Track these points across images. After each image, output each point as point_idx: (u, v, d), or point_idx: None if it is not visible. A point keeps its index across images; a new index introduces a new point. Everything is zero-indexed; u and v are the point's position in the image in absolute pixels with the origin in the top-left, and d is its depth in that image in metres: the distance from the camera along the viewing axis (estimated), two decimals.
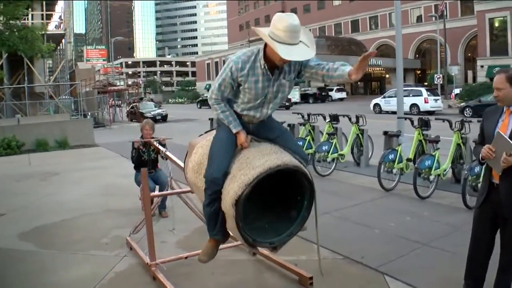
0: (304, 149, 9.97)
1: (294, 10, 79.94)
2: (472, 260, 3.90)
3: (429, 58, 60.21)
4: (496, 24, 43.69)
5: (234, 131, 3.48)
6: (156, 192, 5.56)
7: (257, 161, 3.33)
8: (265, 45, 3.30)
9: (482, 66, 44.02)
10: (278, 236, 3.54)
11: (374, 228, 6.13)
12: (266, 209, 3.61)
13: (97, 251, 5.42)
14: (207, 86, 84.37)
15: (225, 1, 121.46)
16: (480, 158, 3.62)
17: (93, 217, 6.99)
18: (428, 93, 30.65)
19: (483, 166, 3.82)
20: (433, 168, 7.82)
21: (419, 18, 59.49)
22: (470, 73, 49.24)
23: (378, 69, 61.04)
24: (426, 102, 29.88)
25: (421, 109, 29.03)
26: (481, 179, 7.07)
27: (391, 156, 8.46)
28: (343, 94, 54.59)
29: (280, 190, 3.62)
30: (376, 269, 4.70)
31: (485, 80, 41.06)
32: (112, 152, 14.89)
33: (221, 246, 4.01)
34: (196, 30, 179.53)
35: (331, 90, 53.88)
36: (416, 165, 7.83)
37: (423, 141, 9.13)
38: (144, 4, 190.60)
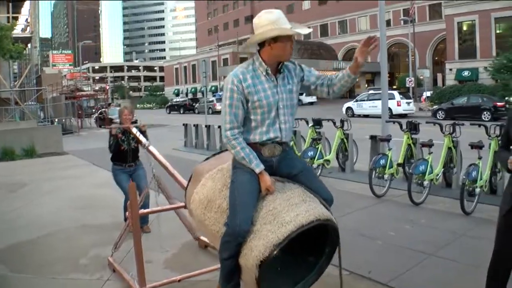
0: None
1: None
2: (494, 271, 3.56)
3: (398, 61, 61.00)
4: (465, 28, 44.41)
5: (257, 170, 3.05)
6: (146, 209, 4.97)
7: (286, 214, 2.94)
8: (259, 52, 3.16)
9: (451, 69, 44.66)
10: (293, 286, 3.22)
11: (375, 239, 5.78)
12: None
13: (77, 274, 4.84)
14: (176, 91, 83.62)
15: (193, 5, 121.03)
16: (509, 167, 3.29)
17: (68, 234, 6.38)
18: (401, 96, 30.79)
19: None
20: (427, 173, 7.54)
21: (387, 22, 60.00)
22: (439, 76, 49.89)
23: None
24: (398, 105, 29.99)
25: (394, 112, 29.05)
26: (477, 184, 6.89)
27: (382, 162, 8.15)
28: (313, 98, 54.26)
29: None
30: (387, 284, 4.35)
31: (454, 83, 41.65)
32: (83, 160, 14.22)
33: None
34: (163, 34, 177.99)
35: (301, 94, 53.41)
36: (410, 170, 7.53)
37: (412, 145, 8.90)
38: (111, 8, 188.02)
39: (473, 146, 7.21)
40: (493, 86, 34.88)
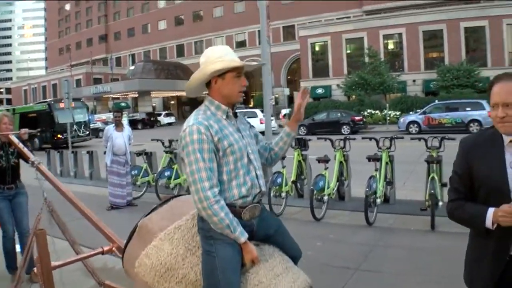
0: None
1: (118, 34, 78.03)
2: None
3: (252, 80, 62.90)
4: (317, 48, 47.29)
5: (242, 240, 2.58)
6: (57, 262, 3.87)
7: None
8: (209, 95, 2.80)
9: (305, 87, 47.02)
10: None
11: None
12: None
13: None
14: None
15: (43, 23, 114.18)
16: (491, 225, 2.14)
17: None
18: (263, 114, 31.61)
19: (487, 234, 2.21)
20: (325, 188, 7.64)
21: (242, 43, 61.84)
22: (295, 94, 52.43)
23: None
24: (261, 122, 30.72)
25: (258, 130, 29.72)
26: (377, 194, 7.14)
27: (279, 180, 8.09)
28: (171, 119, 53.61)
29: None
30: None
31: (310, 100, 44.00)
32: None
33: None
34: (10, 53, 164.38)
35: (159, 115, 53.17)
36: (311, 187, 7.58)
37: (302, 162, 9.02)
38: None
39: (370, 159, 7.47)
40: (348, 102, 37.54)
